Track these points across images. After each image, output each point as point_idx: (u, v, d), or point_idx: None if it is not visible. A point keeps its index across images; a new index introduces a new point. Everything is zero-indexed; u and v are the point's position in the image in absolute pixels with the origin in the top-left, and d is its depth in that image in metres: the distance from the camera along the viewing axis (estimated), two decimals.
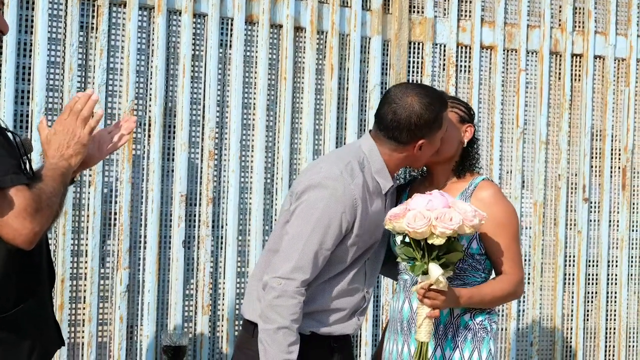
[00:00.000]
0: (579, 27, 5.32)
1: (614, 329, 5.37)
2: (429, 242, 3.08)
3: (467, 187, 3.43)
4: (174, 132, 4.43)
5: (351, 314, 3.30)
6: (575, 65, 5.30)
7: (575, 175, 5.28)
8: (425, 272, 3.12)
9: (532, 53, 5.21)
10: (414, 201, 3.13)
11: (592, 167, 5.32)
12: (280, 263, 3.14)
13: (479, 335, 3.37)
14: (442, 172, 3.48)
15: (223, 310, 4.52)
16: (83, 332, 4.25)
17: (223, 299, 4.52)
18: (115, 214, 4.31)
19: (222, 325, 4.52)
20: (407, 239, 3.15)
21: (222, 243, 4.53)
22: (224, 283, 4.53)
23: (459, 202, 3.15)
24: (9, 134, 2.62)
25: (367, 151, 3.27)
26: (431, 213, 3.06)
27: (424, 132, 3.22)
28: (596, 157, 5.34)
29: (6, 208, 2.43)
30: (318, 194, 3.15)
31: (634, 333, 5.41)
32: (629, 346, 5.39)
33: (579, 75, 5.31)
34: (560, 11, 5.28)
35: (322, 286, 3.23)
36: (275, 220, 4.59)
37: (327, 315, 3.25)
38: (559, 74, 5.27)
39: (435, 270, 3.09)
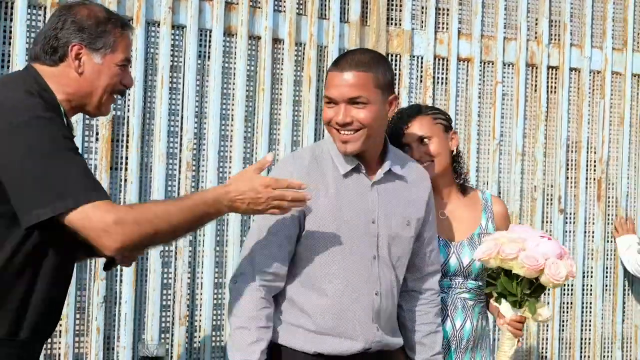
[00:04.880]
0: (555, 39, 5.37)
1: (589, 339, 5.41)
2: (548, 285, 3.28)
3: (484, 203, 3.59)
4: (152, 143, 4.44)
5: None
6: (551, 78, 5.35)
7: (551, 186, 5.32)
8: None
9: (509, 65, 5.25)
10: (546, 247, 3.25)
11: (567, 178, 5.36)
12: None
13: (490, 344, 3.68)
14: (445, 188, 3.58)
15: (200, 321, 4.53)
16: (60, 343, 4.24)
17: (200, 310, 4.52)
18: None
19: (200, 336, 4.52)
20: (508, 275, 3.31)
21: (199, 254, 4.54)
22: (201, 294, 4.53)
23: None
24: None
25: (327, 138, 3.29)
26: (567, 262, 3.28)
27: None
28: (572, 169, 5.38)
29: (87, 225, 2.64)
30: None
31: (608, 343, 5.46)
32: (604, 356, 5.44)
33: (555, 88, 5.35)
34: (536, 24, 5.33)
35: None
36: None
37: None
38: (535, 86, 5.32)
39: (547, 312, 3.33)
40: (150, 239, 2.74)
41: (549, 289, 3.35)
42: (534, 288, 3.25)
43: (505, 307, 3.31)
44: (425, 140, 3.55)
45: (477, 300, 3.56)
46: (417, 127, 3.57)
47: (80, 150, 4.21)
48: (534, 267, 3.18)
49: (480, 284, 3.58)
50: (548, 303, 5.18)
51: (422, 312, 3.36)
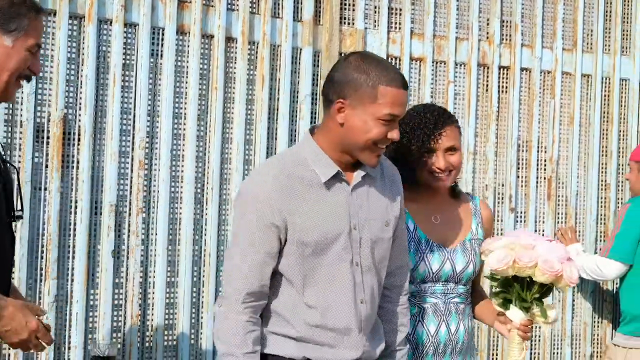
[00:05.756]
0: (506, 40, 5.42)
1: (539, 336, 5.46)
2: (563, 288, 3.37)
3: (474, 208, 3.61)
4: (104, 142, 4.41)
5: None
6: (503, 77, 5.40)
7: (502, 185, 5.38)
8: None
9: (461, 65, 5.29)
10: (557, 251, 3.30)
11: (518, 177, 5.42)
12: None
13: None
14: (442, 193, 3.57)
15: (152, 320, 4.51)
16: None
17: (152, 309, 4.51)
18: (44, 223, 4.28)
19: (152, 336, 4.51)
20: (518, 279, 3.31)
21: (152, 253, 4.52)
22: (153, 293, 4.51)
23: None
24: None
25: (301, 144, 3.14)
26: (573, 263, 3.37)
27: (345, 91, 2.98)
28: (522, 168, 5.44)
29: None
30: (238, 204, 3.06)
31: (558, 341, 5.52)
32: (554, 353, 5.50)
33: (506, 87, 5.41)
34: (488, 24, 5.37)
35: None
36: (206, 229, 4.60)
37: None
38: (487, 85, 5.36)
39: (554, 314, 3.36)
40: None
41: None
42: (544, 291, 3.32)
43: (514, 312, 3.31)
44: (452, 151, 3.51)
45: (465, 303, 3.58)
46: (449, 136, 3.48)
47: (30, 148, 4.20)
48: (554, 272, 3.24)
49: (468, 287, 3.60)
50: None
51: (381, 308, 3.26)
